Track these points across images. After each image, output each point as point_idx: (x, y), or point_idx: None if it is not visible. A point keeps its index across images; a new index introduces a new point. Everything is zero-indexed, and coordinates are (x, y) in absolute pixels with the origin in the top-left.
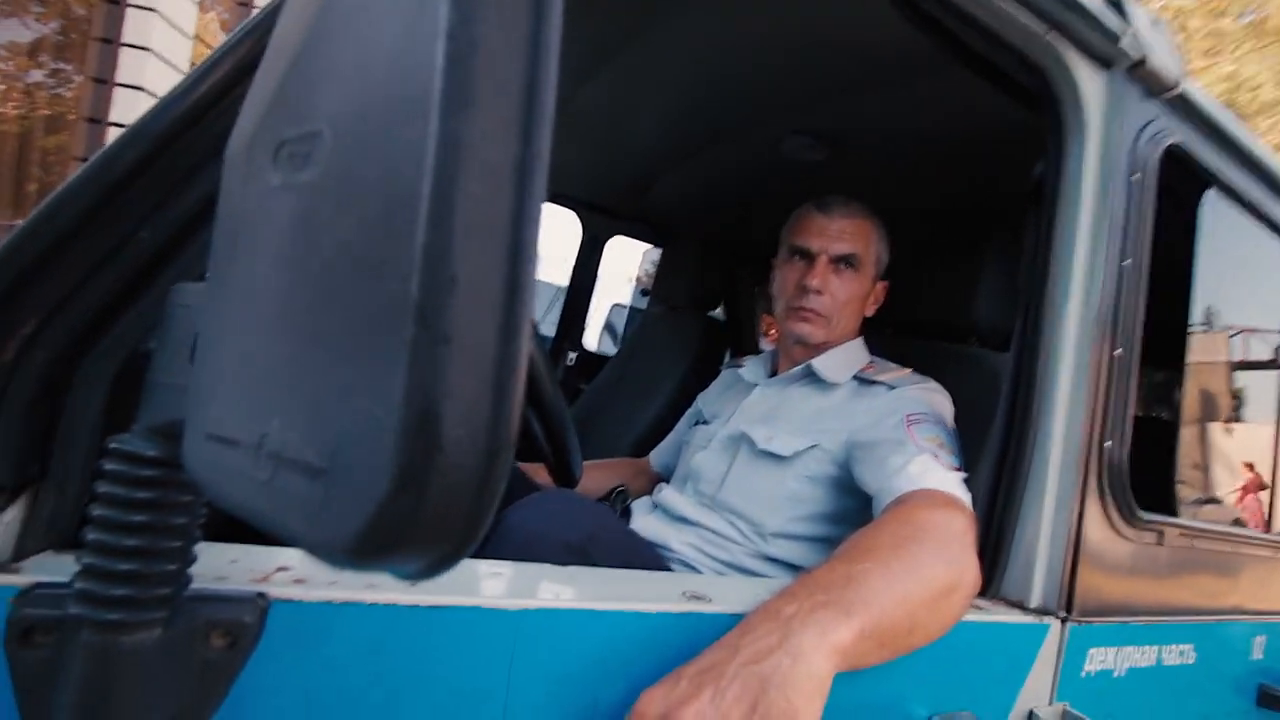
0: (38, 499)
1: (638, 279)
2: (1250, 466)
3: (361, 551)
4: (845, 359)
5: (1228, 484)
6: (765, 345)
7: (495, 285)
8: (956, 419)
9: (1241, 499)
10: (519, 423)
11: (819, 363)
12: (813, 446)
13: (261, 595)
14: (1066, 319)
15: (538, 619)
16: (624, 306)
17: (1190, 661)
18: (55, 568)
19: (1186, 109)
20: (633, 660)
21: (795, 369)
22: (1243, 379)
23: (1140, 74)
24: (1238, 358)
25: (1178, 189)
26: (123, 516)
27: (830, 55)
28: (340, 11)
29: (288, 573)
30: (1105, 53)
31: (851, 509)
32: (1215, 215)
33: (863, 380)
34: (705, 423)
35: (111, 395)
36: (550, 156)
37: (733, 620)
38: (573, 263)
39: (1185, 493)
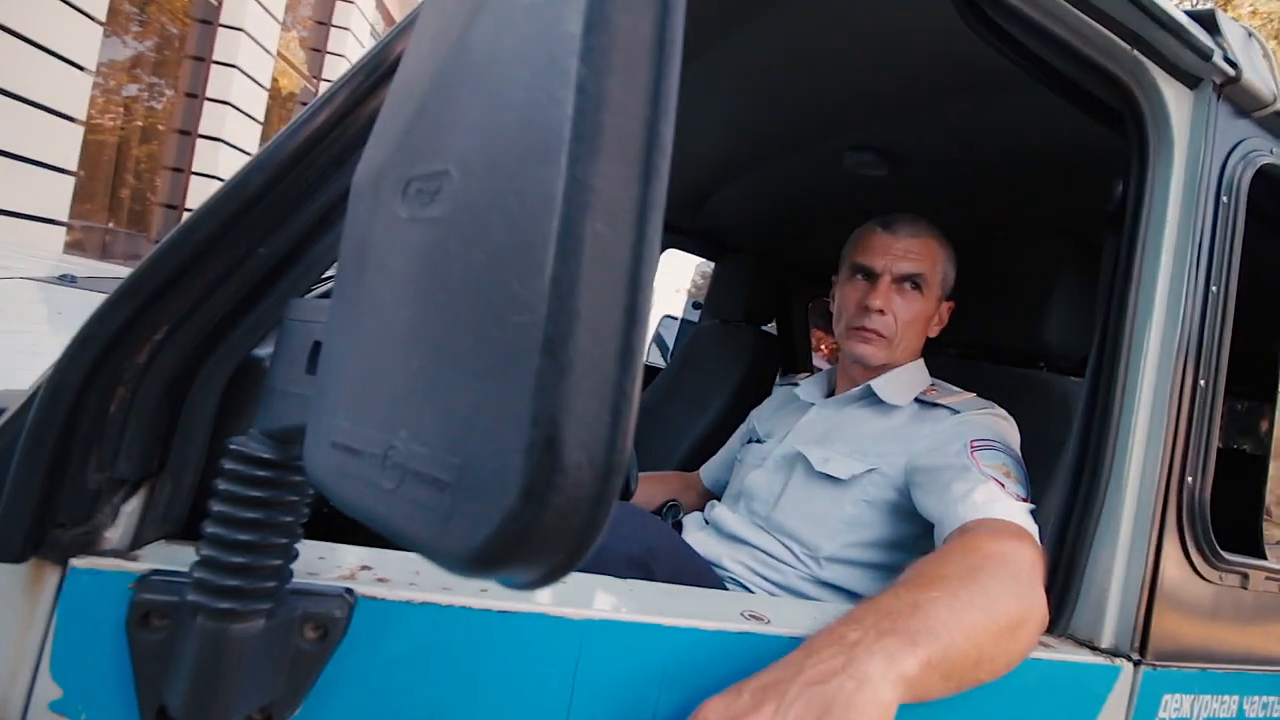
0: (154, 492)
1: (688, 291)
2: None
3: (482, 561)
4: (906, 381)
5: None
6: (818, 360)
7: (615, 318)
8: (1022, 447)
9: None
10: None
11: (879, 384)
12: (871, 470)
13: (349, 591)
14: (1147, 346)
15: (601, 629)
16: (675, 319)
17: (1276, 715)
18: (170, 556)
19: None
20: (691, 675)
21: (854, 389)
22: None
23: (1231, 92)
24: None
25: (1271, 211)
26: (238, 512)
27: (895, 70)
28: (472, 58)
29: (370, 571)
30: (1194, 70)
31: (909, 536)
32: None
33: (924, 403)
34: (759, 441)
35: (224, 398)
36: None
37: (790, 642)
38: None
39: (1273, 533)
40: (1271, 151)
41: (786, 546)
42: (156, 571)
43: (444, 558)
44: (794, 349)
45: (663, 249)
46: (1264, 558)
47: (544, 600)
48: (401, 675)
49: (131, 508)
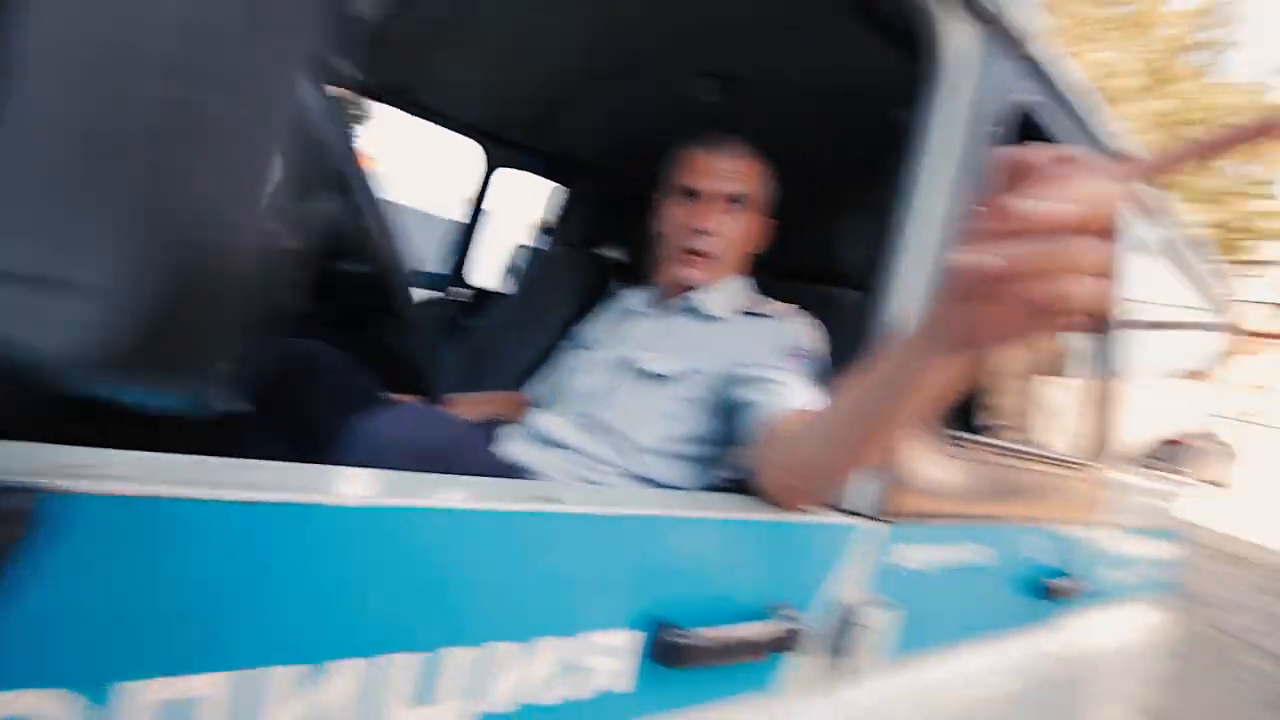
0: None
1: (541, 219)
2: (1044, 398)
3: (121, 364)
4: (731, 295)
5: (1024, 412)
6: None
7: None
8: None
9: (1035, 425)
10: (300, 245)
11: (704, 297)
12: (693, 370)
13: (33, 487)
14: (925, 260)
15: (384, 518)
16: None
17: (987, 560)
18: None
19: (1042, 72)
20: (482, 558)
21: (680, 300)
22: None
23: (1007, 31)
24: None
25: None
26: None
27: None
28: None
29: (67, 466)
30: (980, 7)
31: (724, 432)
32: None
33: (746, 314)
34: (587, 348)
35: None
36: (449, 76)
37: (585, 520)
38: (471, 198)
39: (990, 417)
40: (1031, 90)
41: (609, 444)
42: None
43: (73, 368)
44: (643, 276)
45: (511, 166)
46: (983, 436)
47: (319, 489)
48: (103, 577)
49: None
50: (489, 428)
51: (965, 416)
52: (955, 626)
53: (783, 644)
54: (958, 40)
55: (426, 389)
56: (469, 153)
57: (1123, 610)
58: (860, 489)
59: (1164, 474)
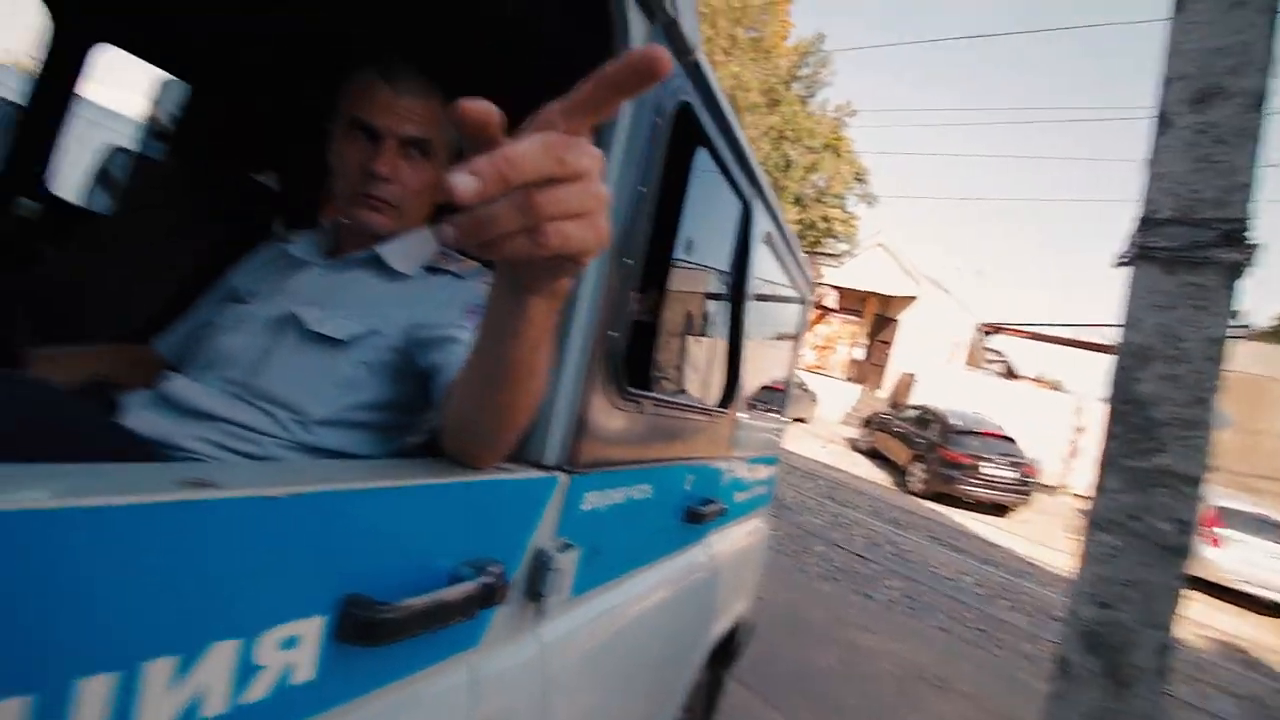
0: None
1: (151, 120)
2: (698, 359)
3: None
4: (415, 248)
5: (684, 371)
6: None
7: None
8: None
9: (689, 380)
10: None
11: (387, 250)
12: (372, 332)
13: None
14: None
15: None
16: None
17: (648, 495)
18: None
19: (698, 76)
20: (116, 565)
21: (360, 254)
22: (701, 299)
23: (671, 32)
24: (699, 283)
25: (681, 141)
26: None
27: None
28: None
29: None
30: (659, 9)
31: (406, 396)
32: (702, 170)
33: (431, 269)
34: (240, 301)
35: None
36: None
37: (249, 504)
38: (36, 73)
39: (656, 374)
40: (689, 92)
41: (269, 414)
42: None
43: None
44: (298, 207)
45: (101, 38)
46: (652, 391)
47: None
48: None
49: None
50: (99, 393)
51: (631, 374)
52: (628, 557)
53: (489, 599)
54: (636, 34)
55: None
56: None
57: (745, 522)
58: (545, 443)
59: (769, 413)
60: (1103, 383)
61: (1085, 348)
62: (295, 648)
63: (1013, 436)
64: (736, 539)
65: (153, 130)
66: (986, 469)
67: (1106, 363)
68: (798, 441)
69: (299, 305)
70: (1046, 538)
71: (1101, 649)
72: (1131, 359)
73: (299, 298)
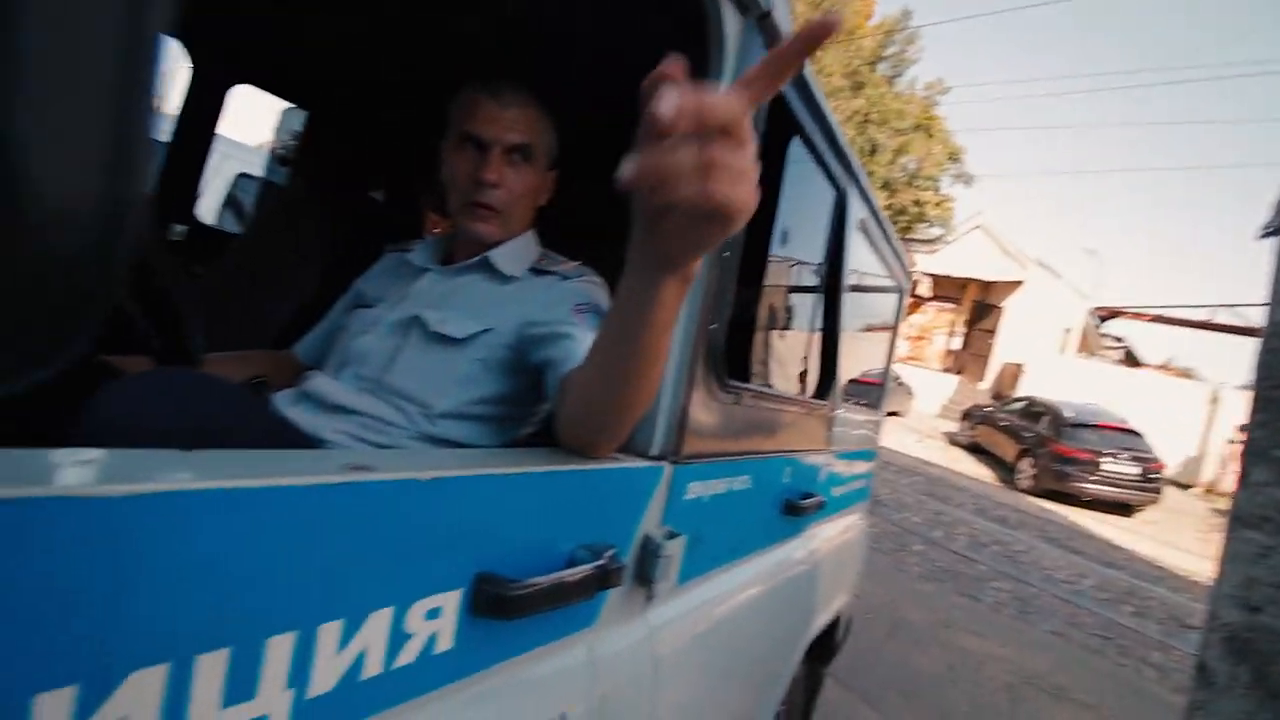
0: None
1: (274, 147)
2: (794, 352)
3: None
4: (521, 252)
5: (781, 363)
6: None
7: None
8: None
9: (786, 373)
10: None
11: (496, 255)
12: (487, 331)
13: None
14: None
15: (154, 504)
16: (254, 179)
17: (748, 487)
18: None
19: None
20: (284, 540)
21: (472, 259)
22: (797, 290)
23: (764, 25)
24: (795, 274)
25: (775, 132)
26: None
27: None
28: None
29: None
30: (751, 2)
31: (521, 389)
32: (796, 159)
33: (536, 271)
34: (368, 306)
35: None
36: None
37: (400, 486)
38: (179, 112)
39: (755, 367)
40: None
41: (398, 408)
42: None
43: None
44: (404, 220)
45: (238, 80)
46: (750, 383)
47: (54, 482)
48: None
49: None
50: (257, 392)
51: (730, 367)
52: (729, 548)
53: (605, 581)
54: (730, 29)
55: (185, 354)
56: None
57: (844, 517)
58: (651, 433)
59: (866, 407)
60: (1244, 367)
61: (1220, 330)
62: (438, 618)
63: (1138, 430)
64: (835, 534)
65: (276, 157)
66: (1107, 465)
67: (1249, 346)
68: (892, 435)
69: (421, 308)
70: (1177, 538)
71: (1250, 656)
72: None
73: (421, 301)
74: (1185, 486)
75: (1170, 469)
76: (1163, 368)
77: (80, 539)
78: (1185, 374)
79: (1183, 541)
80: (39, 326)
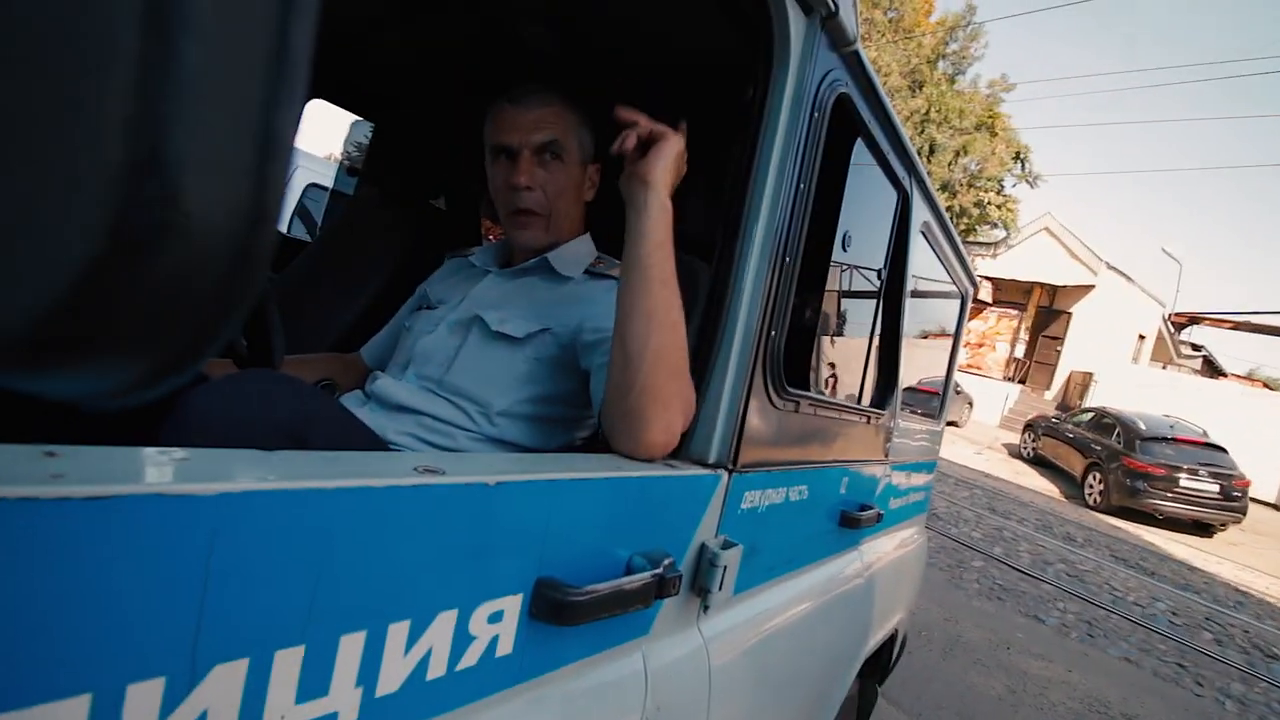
0: None
1: (342, 158)
2: (853, 360)
3: (39, 343)
4: (577, 255)
5: (840, 371)
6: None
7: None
8: None
9: (845, 381)
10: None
11: (554, 257)
12: (544, 330)
13: None
14: (756, 230)
15: (239, 503)
16: (323, 189)
17: (804, 497)
18: None
19: (857, 66)
20: (360, 540)
21: (530, 261)
22: (858, 296)
23: (830, 26)
24: (856, 280)
25: (839, 133)
26: None
27: None
28: None
29: None
30: (817, 3)
31: (575, 390)
32: (859, 161)
33: (593, 274)
34: (431, 308)
35: None
36: None
37: (469, 490)
38: None
39: (813, 374)
40: (847, 83)
41: (459, 407)
42: None
43: None
44: (464, 226)
45: (310, 96)
46: (809, 391)
47: (150, 479)
48: None
49: None
50: (330, 393)
51: (789, 374)
52: (785, 559)
53: (663, 590)
54: (795, 31)
55: (269, 359)
56: None
57: (901, 530)
58: (709, 441)
59: (926, 417)
60: None
61: None
62: (499, 622)
63: (1221, 445)
64: (892, 547)
65: (345, 168)
66: (1185, 481)
67: None
68: (949, 446)
69: (482, 308)
70: (1263, 562)
71: None
72: None
73: (481, 302)
74: (1276, 507)
75: (1257, 487)
76: (1246, 378)
77: (171, 535)
78: (1271, 385)
79: (1270, 565)
80: (184, 333)
